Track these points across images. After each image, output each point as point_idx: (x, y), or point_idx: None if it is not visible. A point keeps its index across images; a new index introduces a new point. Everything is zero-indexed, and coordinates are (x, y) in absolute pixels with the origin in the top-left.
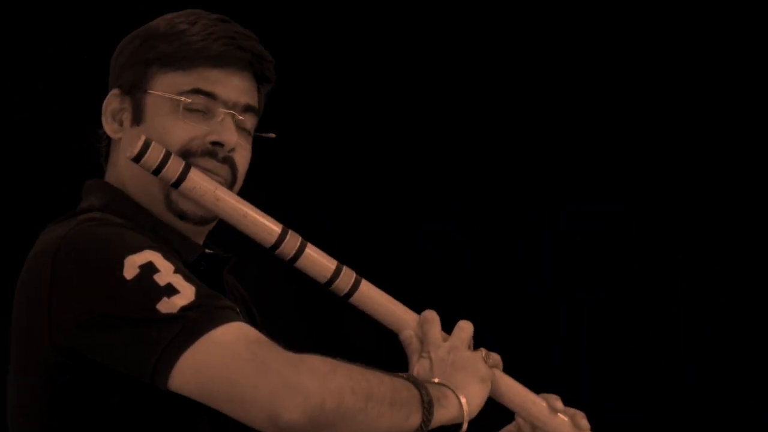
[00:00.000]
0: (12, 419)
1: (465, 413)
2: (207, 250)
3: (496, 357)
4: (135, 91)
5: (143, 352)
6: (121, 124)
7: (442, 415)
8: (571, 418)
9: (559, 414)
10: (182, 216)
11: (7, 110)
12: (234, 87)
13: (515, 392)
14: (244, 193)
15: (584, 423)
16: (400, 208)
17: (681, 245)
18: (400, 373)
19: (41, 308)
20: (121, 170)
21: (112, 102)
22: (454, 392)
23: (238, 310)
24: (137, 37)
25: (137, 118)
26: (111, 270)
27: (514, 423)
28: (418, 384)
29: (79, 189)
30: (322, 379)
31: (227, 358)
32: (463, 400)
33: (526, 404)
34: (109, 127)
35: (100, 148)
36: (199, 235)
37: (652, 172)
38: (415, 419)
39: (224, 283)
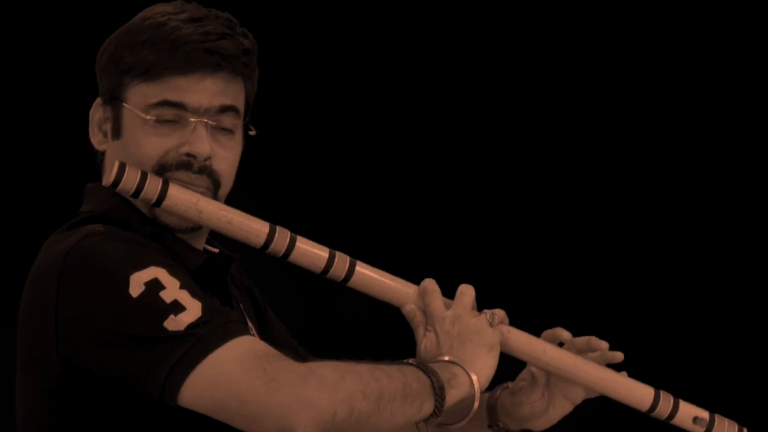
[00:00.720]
0: (21, 428)
1: (476, 391)
2: (211, 249)
3: (500, 313)
4: (114, 102)
5: (152, 370)
6: (105, 135)
7: (453, 396)
8: (587, 345)
9: (569, 358)
10: (170, 230)
11: (9, 111)
12: (205, 91)
13: (524, 344)
14: (236, 186)
15: (603, 343)
16: (387, 179)
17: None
18: (410, 360)
19: (48, 323)
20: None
21: (97, 112)
22: (464, 369)
23: (245, 322)
24: (111, 43)
25: (116, 132)
26: (117, 288)
27: (526, 370)
28: (428, 370)
29: (81, 191)
30: (332, 390)
31: (237, 375)
32: (474, 378)
33: (537, 354)
34: (95, 138)
35: (97, 152)
36: (200, 237)
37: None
38: (428, 407)
39: (229, 281)
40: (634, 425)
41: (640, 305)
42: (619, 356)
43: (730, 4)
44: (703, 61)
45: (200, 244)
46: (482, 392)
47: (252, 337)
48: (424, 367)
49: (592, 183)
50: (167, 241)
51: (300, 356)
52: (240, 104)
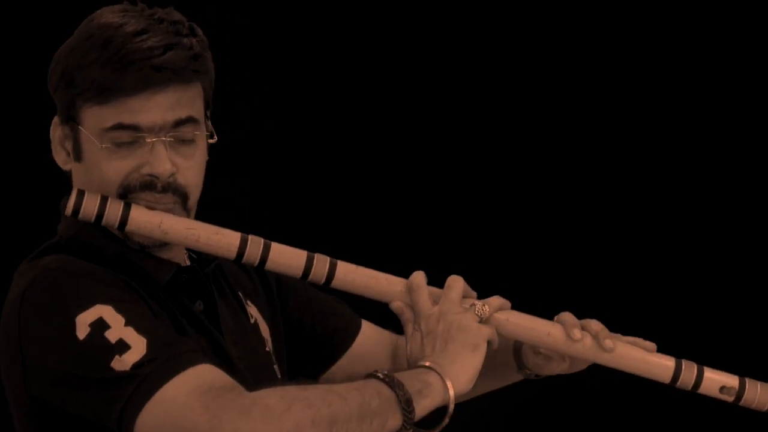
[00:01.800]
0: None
1: (450, 397)
2: (186, 259)
3: (494, 302)
4: (70, 122)
5: (105, 410)
6: (68, 154)
7: (425, 406)
8: (595, 337)
9: (578, 341)
10: (142, 247)
11: (11, 113)
12: (158, 108)
13: (526, 328)
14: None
15: (607, 342)
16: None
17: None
18: (377, 372)
19: (16, 361)
20: None
21: (56, 130)
22: (440, 376)
23: (196, 348)
24: (59, 63)
25: (77, 155)
26: (65, 330)
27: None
28: (394, 384)
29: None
30: (277, 421)
31: (181, 413)
32: (449, 384)
33: (541, 337)
34: (59, 158)
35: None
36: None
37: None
38: (394, 421)
39: (211, 286)
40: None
41: (637, 288)
42: (650, 346)
43: (730, 4)
44: (703, 61)
45: (178, 252)
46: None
47: (200, 368)
48: (390, 381)
49: (589, 171)
50: (135, 258)
51: (322, 316)
52: (197, 111)
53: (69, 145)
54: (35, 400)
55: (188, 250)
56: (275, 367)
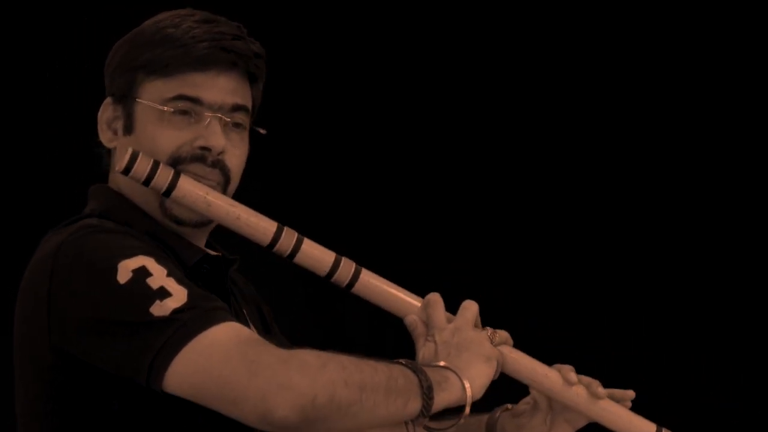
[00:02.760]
0: (20, 419)
1: (468, 395)
2: (210, 252)
3: (503, 334)
4: (125, 100)
5: (138, 355)
6: (115, 133)
7: (443, 398)
8: (587, 387)
9: (573, 386)
10: (178, 221)
11: (15, 114)
12: (220, 88)
13: (526, 367)
14: (244, 187)
15: (600, 391)
16: (400, 192)
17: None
18: (400, 360)
19: (41, 312)
20: (118, 178)
21: (106, 111)
22: (457, 374)
23: (230, 310)
24: (125, 44)
25: (128, 128)
26: (105, 275)
27: (531, 395)
28: (417, 369)
29: (86, 193)
30: (312, 375)
31: (219, 358)
32: (467, 384)
33: (538, 378)
34: (104, 136)
35: (102, 155)
36: (200, 236)
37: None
38: (415, 405)
39: (230, 284)
40: None
41: (649, 319)
42: (629, 395)
43: (730, 4)
44: (703, 61)
45: (202, 243)
46: (475, 414)
47: (236, 323)
48: (413, 366)
49: (598, 194)
50: (165, 238)
51: None
52: (250, 105)
53: (118, 123)
54: (59, 354)
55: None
56: None
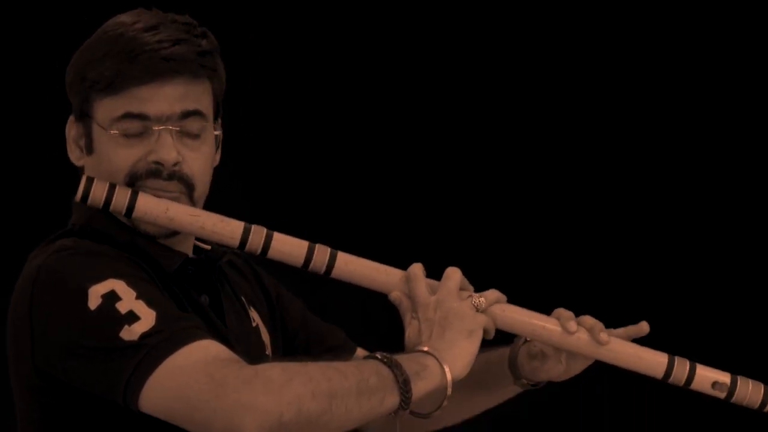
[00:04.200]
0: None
1: (448, 380)
2: (203, 246)
3: (491, 296)
4: (84, 118)
5: (112, 380)
6: (82, 150)
7: (422, 388)
8: (590, 331)
9: (573, 333)
10: (148, 236)
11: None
12: (166, 98)
13: (522, 322)
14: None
15: (603, 337)
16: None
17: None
18: (376, 354)
19: (25, 335)
20: None
21: (72, 129)
22: (437, 360)
23: (203, 326)
24: (77, 59)
25: (89, 148)
26: (77, 301)
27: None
28: (392, 364)
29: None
30: (277, 392)
31: (186, 381)
32: (446, 368)
33: (537, 330)
34: (73, 155)
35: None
36: (185, 238)
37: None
38: (392, 400)
39: (220, 280)
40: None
41: (636, 276)
42: (645, 328)
43: (730, 4)
44: (704, 61)
45: (187, 244)
46: (495, 348)
47: (206, 342)
48: (388, 361)
49: (583, 165)
50: (145, 246)
51: (318, 337)
52: (204, 106)
53: (82, 142)
54: (44, 376)
55: (195, 248)
56: None
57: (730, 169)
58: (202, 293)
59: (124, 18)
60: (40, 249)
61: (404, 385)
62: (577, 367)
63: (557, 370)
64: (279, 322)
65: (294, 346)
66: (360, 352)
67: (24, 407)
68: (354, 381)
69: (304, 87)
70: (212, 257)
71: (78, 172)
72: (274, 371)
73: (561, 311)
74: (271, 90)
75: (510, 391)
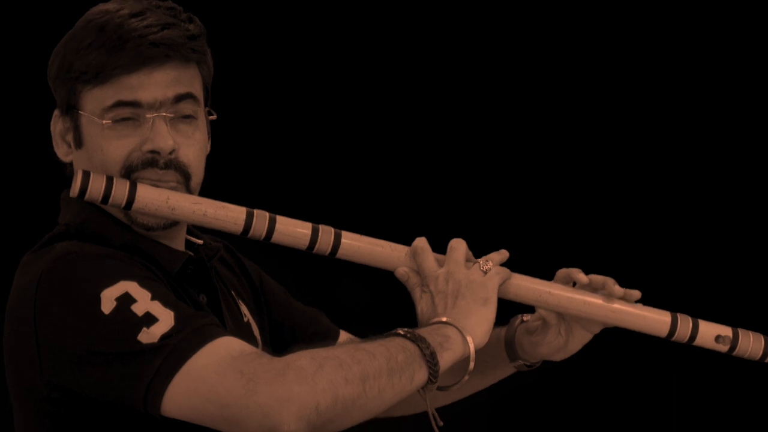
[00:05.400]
0: None
1: (471, 351)
2: (195, 240)
3: (496, 257)
4: (70, 111)
5: (131, 386)
6: (69, 146)
7: (447, 359)
8: (603, 287)
9: (577, 295)
10: (147, 228)
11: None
12: (157, 84)
13: (527, 288)
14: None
15: (617, 289)
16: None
17: None
18: (399, 330)
19: (29, 345)
20: None
21: (57, 123)
22: (458, 329)
23: (222, 308)
24: (58, 54)
25: (78, 142)
26: (90, 306)
27: (538, 312)
28: (416, 338)
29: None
30: (311, 381)
31: (214, 379)
32: (468, 338)
33: (543, 297)
34: (60, 150)
35: (64, 163)
36: (179, 230)
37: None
38: (422, 375)
39: (216, 272)
40: None
41: (640, 240)
42: (635, 294)
43: (730, 4)
44: (703, 61)
45: (180, 239)
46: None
47: (227, 338)
48: (412, 336)
49: (575, 132)
50: (145, 246)
51: (302, 324)
52: (196, 90)
53: (70, 136)
54: (53, 387)
55: (186, 242)
56: None
57: (713, 140)
58: (201, 292)
59: (108, 5)
60: (35, 253)
61: (431, 359)
62: (576, 344)
63: (557, 343)
64: (265, 312)
65: (281, 335)
66: (343, 334)
67: (27, 420)
68: (383, 360)
69: (300, 69)
70: (207, 254)
71: (65, 168)
72: (304, 360)
73: (568, 269)
74: (266, 72)
75: (503, 372)
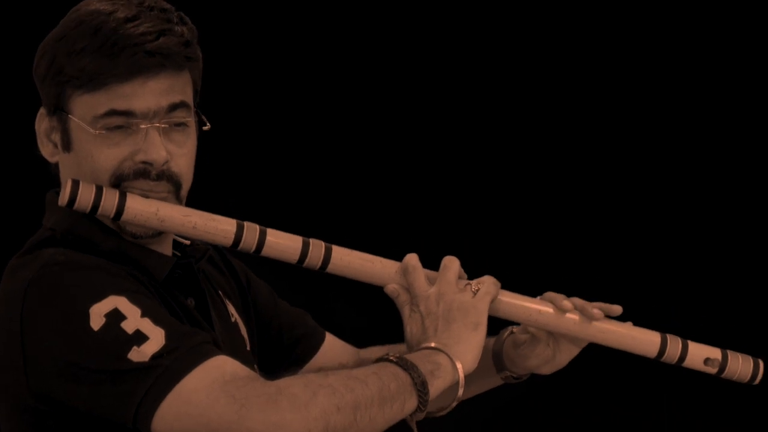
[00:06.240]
0: None
1: (461, 378)
2: (183, 241)
3: (488, 281)
4: (58, 113)
5: (121, 405)
6: (56, 146)
7: (438, 387)
8: (581, 311)
9: (566, 314)
10: (135, 237)
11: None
12: (151, 94)
13: (517, 307)
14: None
15: (596, 312)
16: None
17: None
18: (390, 356)
19: (16, 356)
20: None
21: (42, 122)
22: (448, 356)
23: (214, 338)
24: (50, 49)
25: (66, 145)
26: (78, 322)
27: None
28: (408, 366)
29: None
30: (304, 409)
31: (205, 404)
32: (459, 365)
33: (533, 316)
34: (45, 149)
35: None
36: (168, 235)
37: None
38: (411, 404)
39: (204, 275)
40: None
41: (630, 259)
42: (616, 309)
43: (730, 4)
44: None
45: (168, 242)
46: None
47: (220, 358)
48: (404, 363)
49: (577, 155)
50: (132, 252)
51: (289, 325)
52: (188, 97)
53: (56, 137)
54: (41, 398)
55: (174, 242)
56: (255, 367)
57: (710, 147)
58: (188, 296)
59: (100, 5)
60: (22, 258)
61: (422, 387)
62: (564, 358)
63: (545, 356)
64: (252, 311)
65: (268, 335)
66: (329, 337)
67: (14, 428)
68: (375, 389)
69: (293, 77)
70: (195, 255)
71: (49, 167)
72: (297, 387)
73: (551, 294)
74: (257, 80)
75: (489, 383)
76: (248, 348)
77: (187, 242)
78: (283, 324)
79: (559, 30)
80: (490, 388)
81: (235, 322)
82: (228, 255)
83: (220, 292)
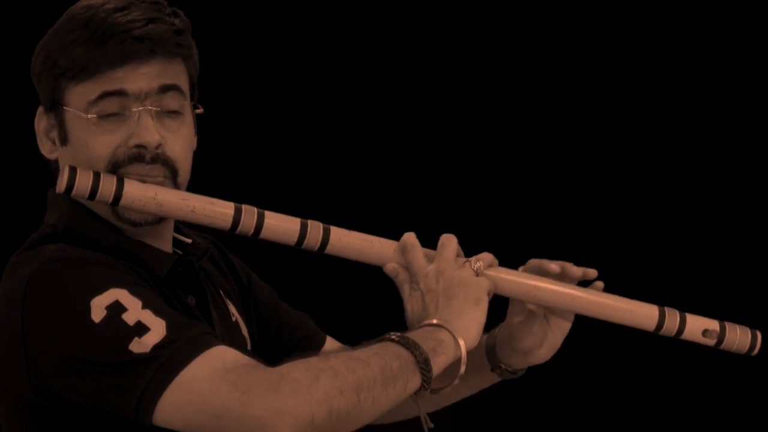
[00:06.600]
0: None
1: (463, 354)
2: (183, 239)
3: (486, 258)
4: (55, 108)
5: (123, 396)
6: (54, 143)
7: (440, 364)
8: (563, 269)
9: (565, 289)
10: (135, 224)
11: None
12: (142, 76)
13: (515, 284)
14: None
15: (575, 270)
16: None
17: None
18: (392, 335)
19: (17, 352)
20: None
21: (41, 120)
22: (450, 332)
23: (212, 310)
24: (42, 49)
25: (63, 138)
26: (79, 315)
27: (517, 306)
28: (410, 345)
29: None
30: (306, 393)
31: (207, 391)
32: (461, 341)
33: (531, 292)
34: (44, 147)
35: (49, 160)
36: (166, 227)
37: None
38: (415, 382)
39: (205, 273)
40: None
41: (628, 235)
42: (592, 273)
43: (730, 4)
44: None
45: (168, 238)
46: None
47: (221, 348)
48: (406, 342)
49: (564, 125)
50: (133, 248)
51: (290, 326)
52: (182, 83)
53: (54, 133)
54: (42, 393)
55: (174, 240)
56: None
57: (705, 137)
58: (189, 294)
59: (92, 1)
60: (23, 254)
61: (425, 365)
62: (557, 336)
63: (540, 334)
64: (252, 312)
65: (268, 336)
66: (330, 340)
67: (13, 426)
68: (378, 369)
69: (289, 64)
70: (196, 253)
71: (50, 166)
72: (299, 371)
73: (536, 261)
74: (253, 67)
75: (485, 380)
76: (249, 348)
77: (188, 240)
78: (283, 325)
79: (558, 26)
80: (485, 386)
81: (236, 322)
82: (231, 255)
83: (221, 292)
